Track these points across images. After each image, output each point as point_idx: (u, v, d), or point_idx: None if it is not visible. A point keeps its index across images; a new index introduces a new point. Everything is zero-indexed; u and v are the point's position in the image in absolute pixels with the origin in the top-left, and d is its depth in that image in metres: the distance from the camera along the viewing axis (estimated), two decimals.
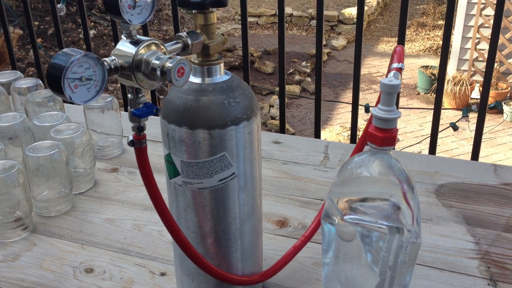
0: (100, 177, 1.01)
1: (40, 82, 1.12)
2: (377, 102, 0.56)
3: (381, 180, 0.59)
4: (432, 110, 1.37)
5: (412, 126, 4.77)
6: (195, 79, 0.58)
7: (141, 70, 0.47)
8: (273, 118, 4.84)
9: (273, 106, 5.00)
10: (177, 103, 0.57)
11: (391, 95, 0.53)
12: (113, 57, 0.47)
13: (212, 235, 0.63)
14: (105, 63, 0.45)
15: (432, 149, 1.34)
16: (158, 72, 0.46)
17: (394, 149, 0.57)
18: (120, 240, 0.83)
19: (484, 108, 1.27)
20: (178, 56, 0.46)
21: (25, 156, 0.84)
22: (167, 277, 0.75)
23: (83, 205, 0.93)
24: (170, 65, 0.46)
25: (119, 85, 4.73)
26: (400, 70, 0.56)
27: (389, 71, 0.56)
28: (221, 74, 0.58)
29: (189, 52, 0.54)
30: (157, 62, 0.46)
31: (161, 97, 0.53)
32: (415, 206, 0.58)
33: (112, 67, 0.46)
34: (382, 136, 0.54)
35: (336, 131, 4.63)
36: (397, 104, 0.53)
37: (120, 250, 0.81)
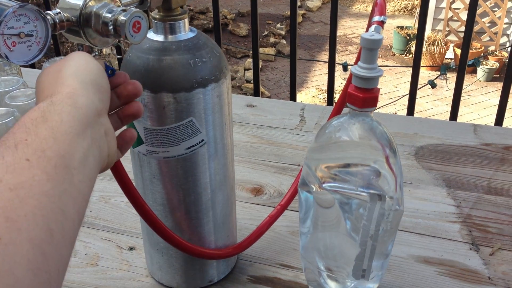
0: None
1: None
2: (356, 61, 0.52)
3: (362, 144, 0.55)
4: (408, 71, 1.33)
5: (388, 88, 4.75)
6: (156, 37, 0.52)
7: (91, 25, 0.41)
8: (248, 81, 4.76)
9: (248, 70, 4.91)
10: (137, 64, 0.51)
11: (372, 51, 0.48)
12: (58, 10, 0.40)
13: (181, 207, 0.59)
14: (48, 17, 0.39)
15: (410, 110, 1.31)
16: (111, 27, 0.40)
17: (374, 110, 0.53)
18: (85, 213, 0.78)
19: (463, 67, 1.23)
20: (132, 8, 0.40)
21: None
22: (136, 251, 0.71)
23: None
24: (124, 18, 0.40)
25: None
26: (382, 23, 0.51)
27: (369, 25, 0.51)
28: (185, 31, 0.52)
29: (148, 6, 0.48)
30: (109, 15, 0.40)
31: (119, 56, 0.47)
32: (398, 171, 0.54)
33: (57, 21, 0.40)
34: (363, 96, 0.50)
35: (312, 93, 4.59)
36: None
37: (85, 224, 0.76)
